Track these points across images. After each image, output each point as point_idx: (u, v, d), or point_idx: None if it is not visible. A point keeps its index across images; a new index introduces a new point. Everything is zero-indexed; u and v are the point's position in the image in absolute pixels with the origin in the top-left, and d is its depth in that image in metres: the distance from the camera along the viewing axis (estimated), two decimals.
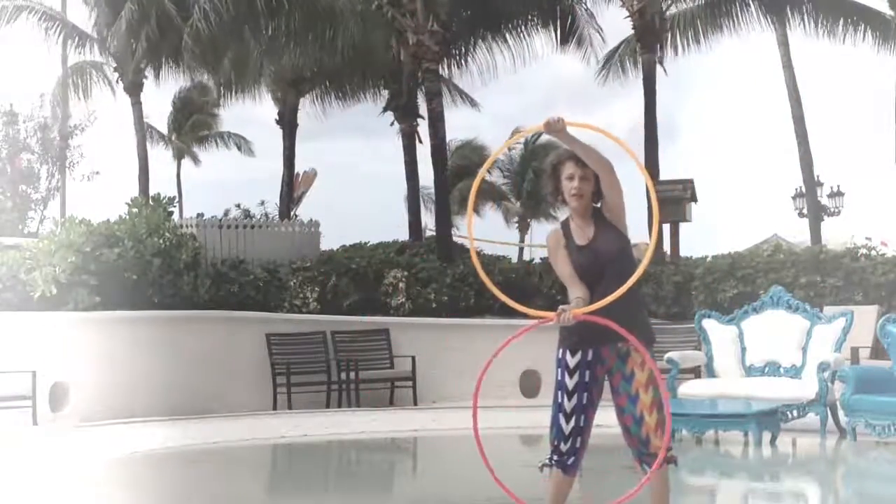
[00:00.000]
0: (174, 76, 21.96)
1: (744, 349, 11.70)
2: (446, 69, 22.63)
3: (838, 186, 29.70)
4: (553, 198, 5.50)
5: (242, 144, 38.40)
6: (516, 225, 40.80)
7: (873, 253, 16.87)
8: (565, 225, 5.48)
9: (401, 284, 17.43)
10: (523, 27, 22.80)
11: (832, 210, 29.35)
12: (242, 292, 16.54)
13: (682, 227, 19.23)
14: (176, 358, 14.36)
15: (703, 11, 22.58)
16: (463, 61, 23.07)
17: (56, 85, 24.65)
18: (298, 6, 19.60)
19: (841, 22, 22.22)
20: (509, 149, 36.07)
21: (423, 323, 16.68)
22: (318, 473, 10.51)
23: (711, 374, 11.79)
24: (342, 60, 20.51)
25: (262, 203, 23.63)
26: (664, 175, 19.41)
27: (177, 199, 21.77)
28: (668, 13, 21.83)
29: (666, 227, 18.68)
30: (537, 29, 22.71)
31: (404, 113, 22.37)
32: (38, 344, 13.47)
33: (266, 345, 15.30)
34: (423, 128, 21.58)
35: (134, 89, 20.62)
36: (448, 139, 23.49)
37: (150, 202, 16.57)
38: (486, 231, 37.63)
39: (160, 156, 36.10)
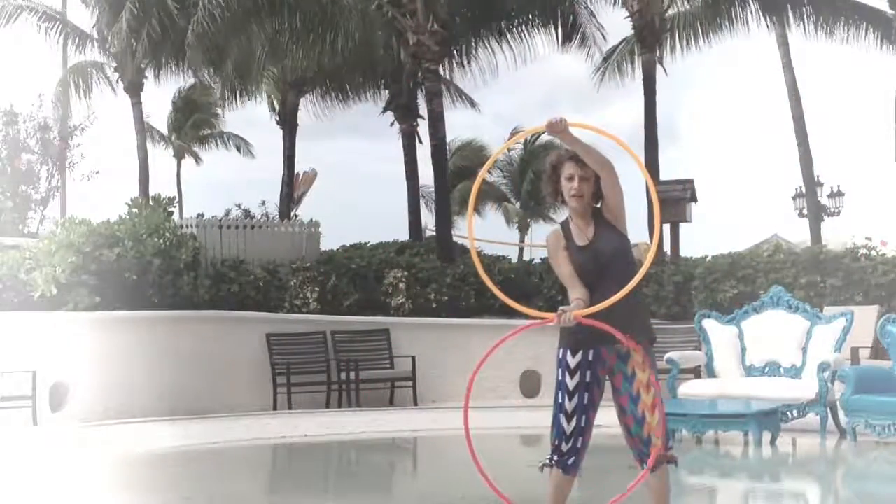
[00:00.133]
0: (175, 76, 21.98)
1: (744, 349, 11.70)
2: (446, 69, 22.63)
3: (838, 186, 29.73)
4: (553, 198, 5.50)
5: (242, 146, 38.38)
6: (516, 225, 40.79)
7: (873, 253, 16.86)
8: (565, 225, 5.48)
9: (401, 284, 17.43)
10: (524, 27, 22.80)
11: (832, 210, 29.37)
12: (242, 292, 16.55)
13: (682, 227, 19.22)
14: (176, 358, 14.37)
15: (703, 11, 22.54)
16: (464, 61, 23.08)
17: (56, 85, 24.63)
18: (299, 6, 19.60)
19: (841, 21, 22.20)
20: (508, 149, 36.03)
21: (423, 323, 16.69)
22: (318, 473, 10.51)
23: (711, 374, 11.80)
24: (342, 60, 20.51)
25: (263, 203, 23.61)
26: (664, 175, 19.40)
27: (177, 199, 21.78)
28: (668, 13, 21.81)
29: (666, 227, 18.67)
30: (538, 29, 22.71)
31: (404, 113, 22.37)
32: (38, 344, 13.48)
33: (266, 345, 15.31)
34: (423, 128, 21.58)
35: (134, 89, 20.62)
36: (448, 139, 23.49)
37: (151, 202, 16.58)
38: (486, 231, 37.69)
39: (160, 156, 36.10)
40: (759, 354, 11.58)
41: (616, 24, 23.95)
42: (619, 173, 5.30)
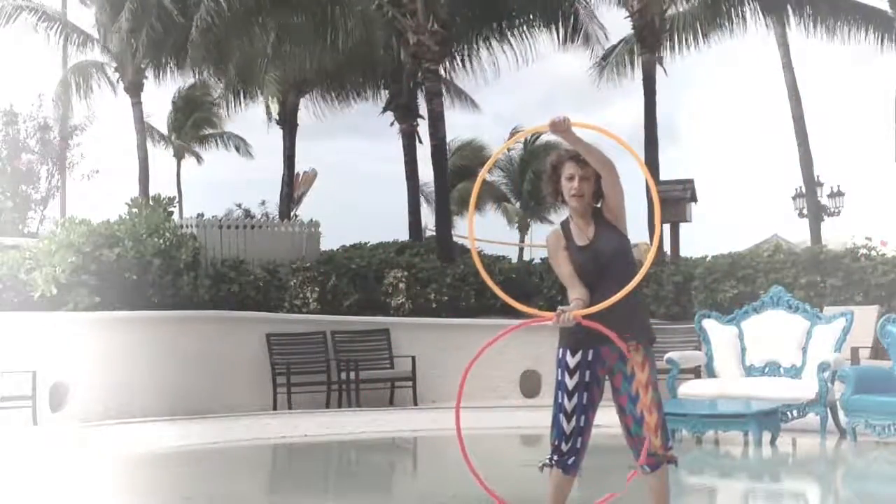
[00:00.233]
0: (175, 76, 21.99)
1: (744, 349, 11.70)
2: (447, 69, 22.62)
3: (838, 186, 29.75)
4: (553, 198, 5.49)
5: (241, 147, 38.38)
6: (516, 225, 40.78)
7: (873, 253, 16.86)
8: (565, 225, 5.48)
9: (401, 284, 17.44)
10: (524, 27, 22.80)
11: (832, 210, 29.37)
12: (242, 292, 16.55)
13: (682, 227, 19.24)
14: (176, 358, 14.36)
15: (703, 11, 22.53)
16: (464, 61, 23.08)
17: (56, 85, 24.63)
18: (300, 4, 19.59)
19: (841, 21, 22.20)
20: (508, 149, 36.02)
21: (423, 323, 16.68)
22: (317, 473, 10.51)
23: (711, 374, 11.79)
24: (342, 60, 20.50)
25: (263, 203, 23.63)
26: (664, 175, 19.40)
27: (177, 199, 21.78)
28: (667, 13, 21.80)
29: (666, 227, 18.68)
30: (538, 29, 22.71)
31: (404, 113, 22.37)
32: (38, 344, 13.47)
33: (266, 345, 15.31)
34: (423, 128, 21.59)
35: (134, 89, 20.63)
36: (448, 139, 23.48)
37: (151, 202, 16.58)
38: (487, 231, 37.69)
39: (160, 156, 36.09)
40: (759, 354, 11.58)
41: (616, 24, 23.93)
42: (620, 173, 5.30)
